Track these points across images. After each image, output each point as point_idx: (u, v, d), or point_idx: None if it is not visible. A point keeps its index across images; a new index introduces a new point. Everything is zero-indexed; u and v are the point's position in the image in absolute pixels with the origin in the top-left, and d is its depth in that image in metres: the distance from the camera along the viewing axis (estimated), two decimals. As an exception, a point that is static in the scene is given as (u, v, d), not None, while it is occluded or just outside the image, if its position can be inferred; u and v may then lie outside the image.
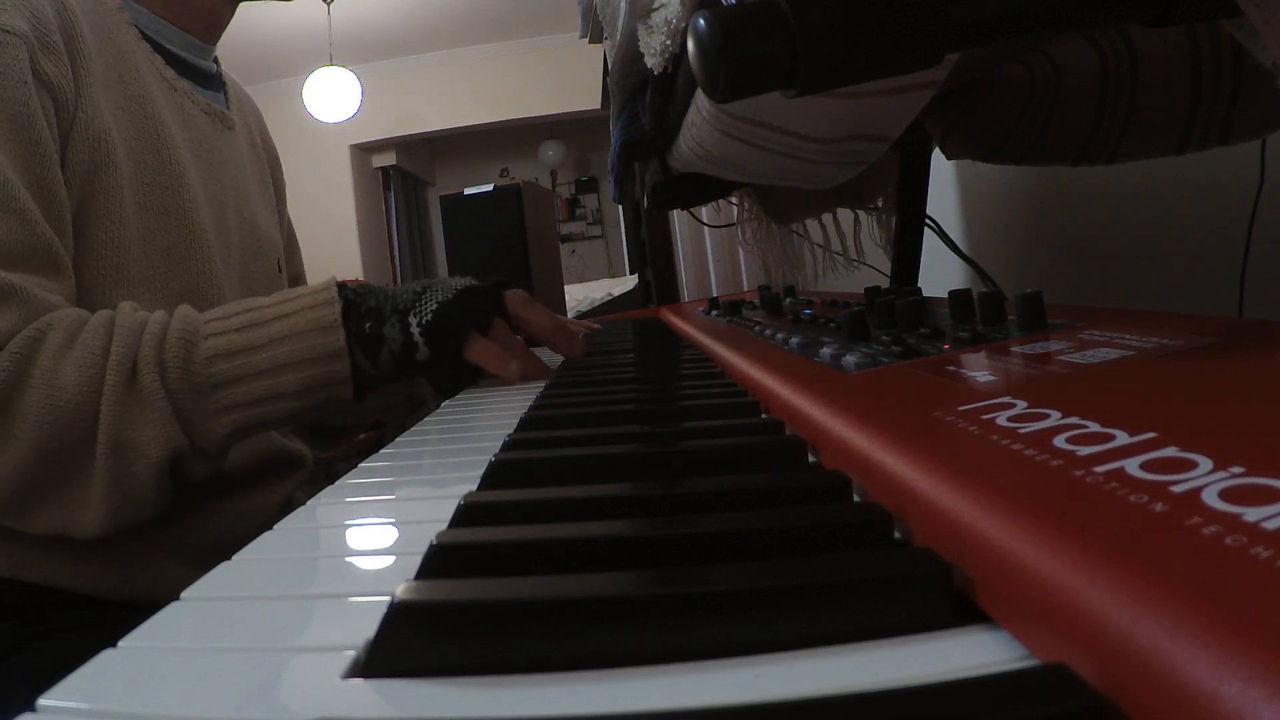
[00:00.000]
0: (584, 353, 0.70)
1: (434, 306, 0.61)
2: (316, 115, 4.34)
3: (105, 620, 0.59)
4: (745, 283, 1.83)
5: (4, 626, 0.58)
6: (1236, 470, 0.16)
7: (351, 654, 0.18)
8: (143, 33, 0.70)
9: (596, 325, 0.85)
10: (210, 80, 0.79)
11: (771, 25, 0.26)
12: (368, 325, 0.60)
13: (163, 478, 0.56)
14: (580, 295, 3.72)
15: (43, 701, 0.17)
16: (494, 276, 0.69)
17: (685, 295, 1.94)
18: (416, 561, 0.22)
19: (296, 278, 0.97)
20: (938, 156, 0.84)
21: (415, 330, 0.60)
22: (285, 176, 0.98)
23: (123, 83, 0.65)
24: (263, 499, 0.70)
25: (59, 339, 0.54)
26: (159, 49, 0.71)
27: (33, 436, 0.52)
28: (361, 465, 0.40)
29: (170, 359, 0.55)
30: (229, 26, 0.80)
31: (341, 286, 0.62)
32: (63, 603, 0.60)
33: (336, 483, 0.36)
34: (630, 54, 0.62)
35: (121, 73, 0.65)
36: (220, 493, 0.65)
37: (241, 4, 0.78)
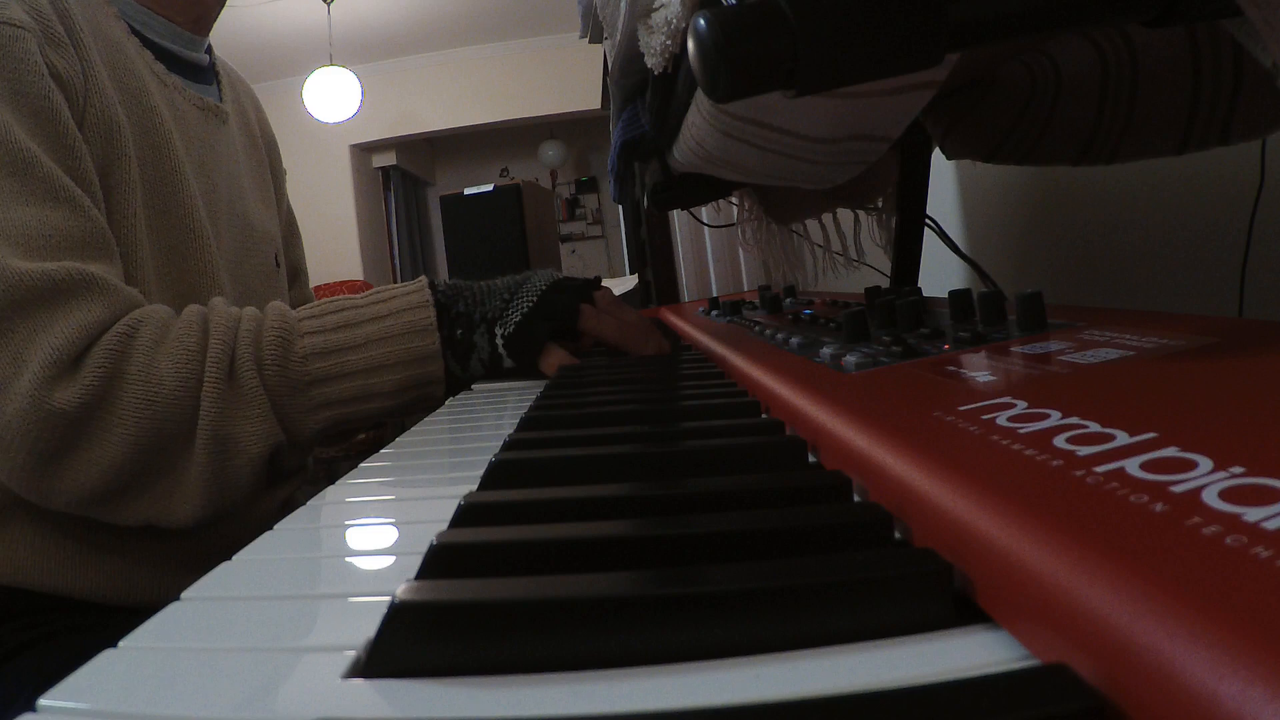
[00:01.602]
0: (658, 350, 0.68)
1: (518, 319, 0.63)
2: (316, 115, 4.33)
3: (108, 624, 0.59)
4: (745, 283, 1.83)
5: (5, 629, 0.58)
6: (1236, 470, 0.16)
7: (352, 654, 0.18)
8: (131, 27, 0.69)
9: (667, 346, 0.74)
10: (202, 73, 0.78)
11: (771, 25, 0.26)
12: (459, 332, 0.62)
13: (261, 470, 0.57)
14: (580, 295, 3.72)
15: (43, 701, 0.17)
16: (592, 278, 0.72)
17: (685, 295, 1.93)
18: (417, 561, 0.22)
19: (297, 266, 0.95)
20: (938, 156, 0.84)
21: (500, 344, 0.63)
22: (286, 177, 0.97)
23: (120, 75, 0.65)
24: (262, 500, 0.70)
25: (151, 334, 0.54)
26: (148, 43, 0.70)
27: (131, 431, 0.53)
28: (361, 465, 0.40)
29: (268, 356, 0.57)
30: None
31: (432, 287, 0.64)
32: (63, 606, 0.60)
33: (336, 483, 0.36)
34: (630, 54, 0.62)
35: (118, 65, 0.65)
36: None
37: None
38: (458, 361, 0.63)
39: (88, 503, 0.55)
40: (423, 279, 0.65)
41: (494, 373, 0.64)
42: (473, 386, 0.69)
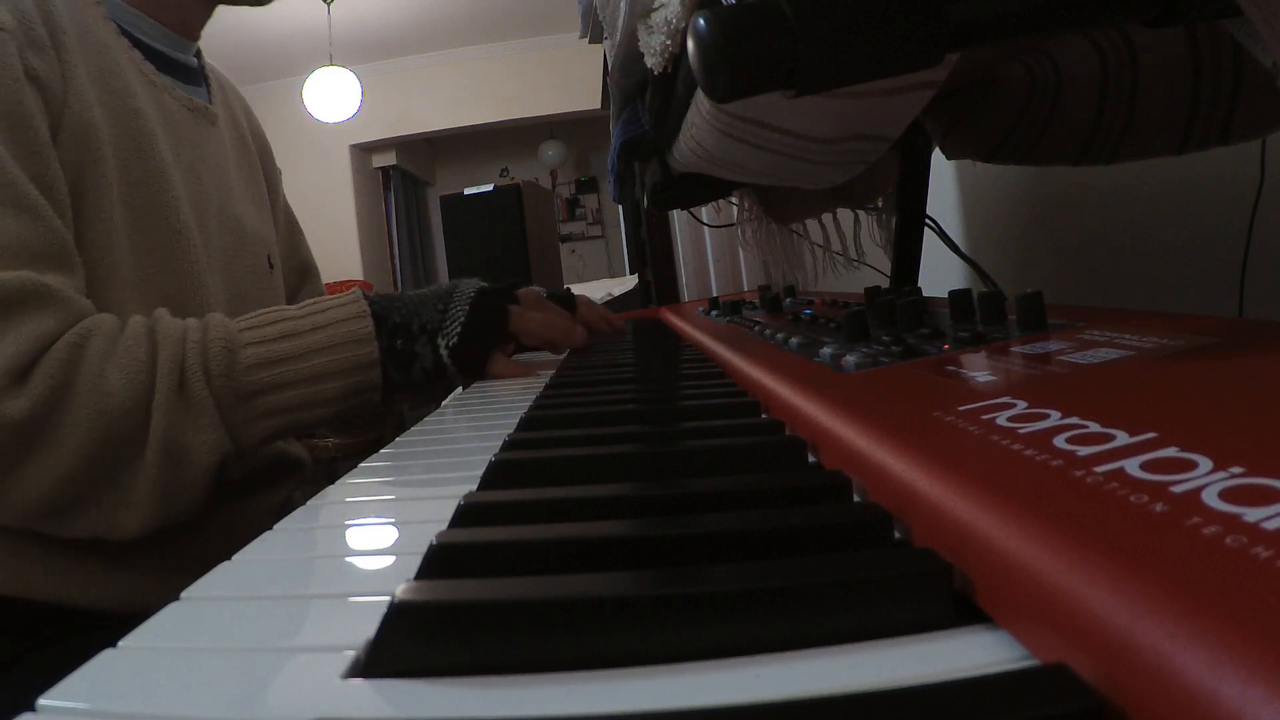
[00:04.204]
0: (581, 342, 0.73)
1: (459, 329, 0.65)
2: (316, 115, 4.33)
3: (106, 629, 0.59)
4: (745, 283, 1.83)
5: (3, 640, 0.57)
6: (1236, 470, 0.16)
7: (351, 654, 0.18)
8: (120, 27, 0.69)
9: (621, 324, 0.88)
10: (191, 74, 0.78)
11: (771, 25, 0.26)
12: (399, 341, 0.64)
13: (210, 480, 0.58)
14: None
15: (43, 701, 0.17)
16: (506, 280, 0.74)
17: (685, 295, 1.94)
18: (416, 561, 0.22)
19: (305, 263, 0.96)
20: (938, 156, 0.84)
21: (445, 354, 0.65)
22: (285, 176, 0.96)
23: (104, 77, 0.64)
24: (260, 503, 0.70)
25: (101, 345, 0.54)
26: (137, 43, 0.70)
27: (80, 443, 0.52)
28: (361, 465, 0.40)
29: (215, 366, 0.57)
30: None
31: (364, 299, 0.65)
32: (60, 618, 0.59)
33: (336, 483, 0.36)
34: (630, 54, 0.62)
35: (102, 66, 0.64)
36: (219, 497, 0.65)
37: (220, 5, 0.77)
38: (399, 370, 0.64)
39: (35, 515, 0.55)
40: (356, 291, 0.66)
41: (435, 380, 0.66)
42: (473, 385, 0.69)
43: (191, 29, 0.76)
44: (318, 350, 0.61)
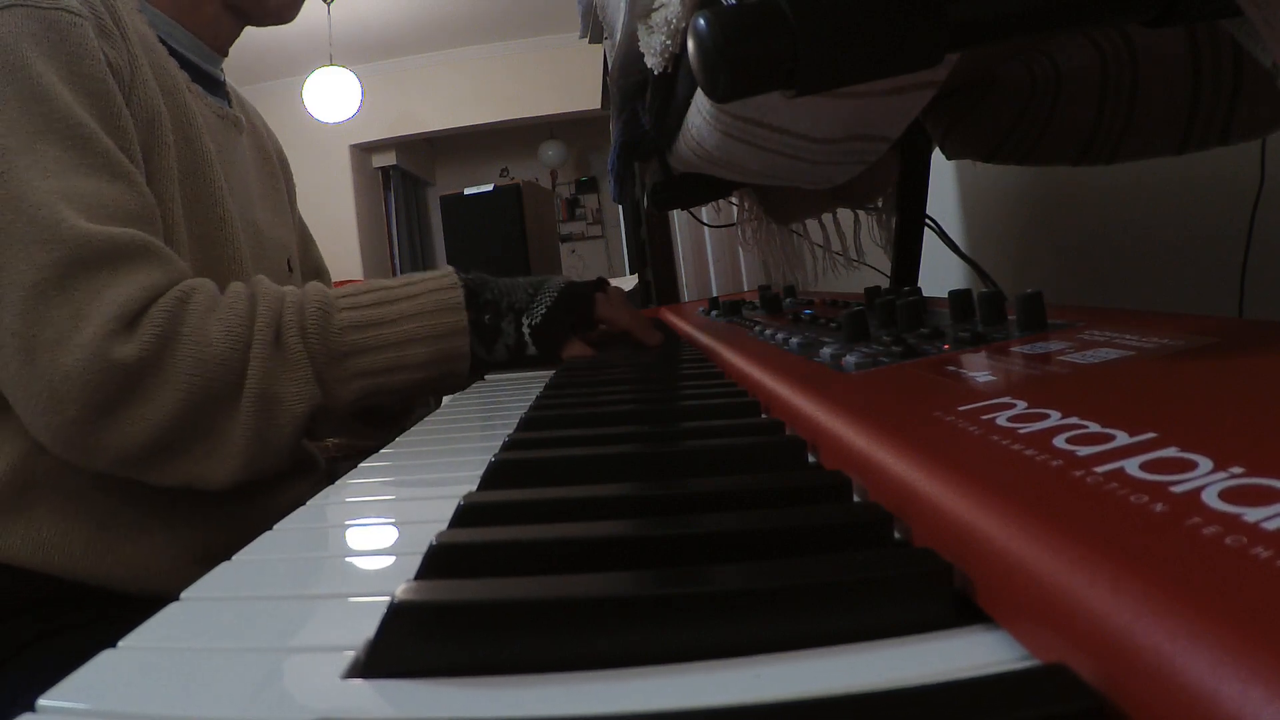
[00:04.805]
0: (660, 341, 0.77)
1: (544, 311, 0.70)
2: (316, 115, 4.33)
3: (121, 616, 0.59)
4: (745, 283, 1.83)
5: (15, 623, 0.58)
6: (1236, 470, 0.16)
7: (351, 654, 0.18)
8: (158, 36, 0.72)
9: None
10: (218, 88, 0.81)
11: (771, 25, 0.26)
12: (487, 317, 0.68)
13: (301, 431, 0.61)
14: (580, 295, 3.71)
15: (43, 702, 0.17)
16: (597, 277, 0.80)
17: (685, 295, 1.93)
18: (416, 561, 0.22)
19: (317, 267, 0.99)
20: (938, 156, 0.84)
21: (527, 333, 0.69)
22: (295, 190, 1.00)
23: (157, 72, 0.67)
24: (278, 501, 0.70)
25: (204, 301, 0.58)
26: (172, 52, 0.73)
27: (182, 389, 0.56)
28: (361, 465, 0.40)
29: (310, 325, 0.61)
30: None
31: (458, 275, 0.70)
32: (80, 598, 0.60)
33: (336, 483, 0.36)
34: (630, 54, 0.62)
35: (153, 62, 0.67)
36: (234, 494, 0.66)
37: (248, 26, 0.80)
38: (483, 345, 0.67)
39: (132, 460, 0.57)
40: (449, 268, 0.70)
41: (516, 359, 0.69)
42: (473, 386, 0.70)
43: (222, 45, 0.79)
44: (409, 316, 0.64)
